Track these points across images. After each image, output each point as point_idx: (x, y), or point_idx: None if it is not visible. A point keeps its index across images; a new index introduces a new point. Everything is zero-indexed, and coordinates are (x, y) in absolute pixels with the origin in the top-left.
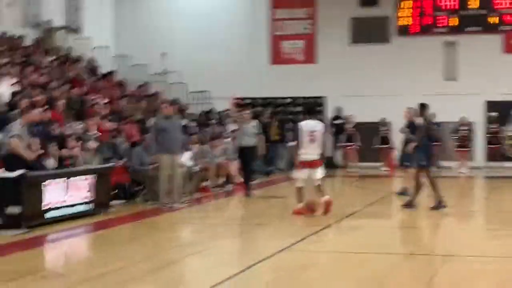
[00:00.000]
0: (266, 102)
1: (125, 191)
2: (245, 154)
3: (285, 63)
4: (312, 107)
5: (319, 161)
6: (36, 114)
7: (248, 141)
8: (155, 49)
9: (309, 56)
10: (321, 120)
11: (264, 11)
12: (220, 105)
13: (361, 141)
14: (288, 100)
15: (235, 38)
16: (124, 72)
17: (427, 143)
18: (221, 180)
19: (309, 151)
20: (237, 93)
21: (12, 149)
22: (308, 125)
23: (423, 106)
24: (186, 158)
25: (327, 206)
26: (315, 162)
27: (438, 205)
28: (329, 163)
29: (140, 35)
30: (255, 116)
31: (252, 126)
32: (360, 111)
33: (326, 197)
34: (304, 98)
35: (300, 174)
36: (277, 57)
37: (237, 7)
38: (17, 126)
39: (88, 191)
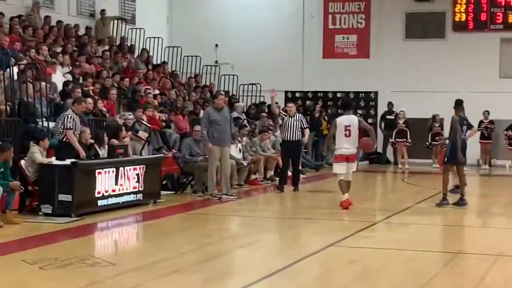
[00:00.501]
0: (317, 96)
1: (175, 182)
2: (288, 149)
3: (337, 57)
4: (348, 102)
5: (354, 155)
6: (88, 103)
7: (292, 135)
8: (207, 41)
9: (362, 51)
10: (373, 115)
11: (317, 4)
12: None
13: (412, 137)
14: (339, 95)
15: (287, 31)
16: (176, 63)
17: (454, 139)
18: (270, 173)
19: (346, 145)
20: (275, 88)
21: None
22: (344, 120)
23: (457, 103)
24: (235, 150)
25: (345, 206)
26: (352, 156)
27: (442, 202)
28: (379, 159)
29: (193, 27)
30: (304, 110)
31: (296, 120)
32: (413, 107)
33: (346, 196)
34: (355, 92)
35: (339, 168)
36: (330, 51)
37: (290, 1)
38: (69, 116)
39: (138, 181)
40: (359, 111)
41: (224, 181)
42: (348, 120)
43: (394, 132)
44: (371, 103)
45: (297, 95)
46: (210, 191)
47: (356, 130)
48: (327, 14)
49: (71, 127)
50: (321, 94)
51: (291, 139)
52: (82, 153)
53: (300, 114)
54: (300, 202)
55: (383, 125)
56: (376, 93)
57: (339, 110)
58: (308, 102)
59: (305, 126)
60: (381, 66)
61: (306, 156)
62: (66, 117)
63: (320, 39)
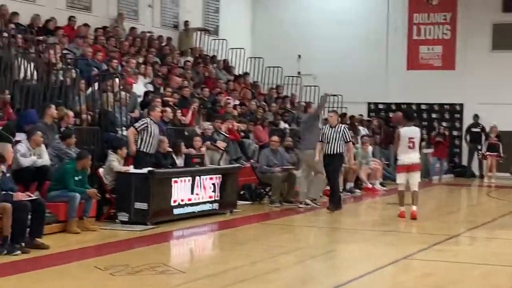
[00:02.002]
0: (401, 108)
1: (252, 192)
2: (328, 164)
3: (422, 68)
4: (411, 113)
5: (417, 165)
6: (164, 111)
7: (332, 148)
8: (289, 52)
9: (447, 62)
10: (458, 127)
11: (401, 15)
12: (353, 110)
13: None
14: (424, 107)
15: (371, 42)
16: (258, 74)
17: None
18: (350, 185)
19: (408, 156)
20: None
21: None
22: (408, 132)
23: None
24: None
25: (412, 217)
26: (413, 166)
27: None
28: (464, 172)
29: (276, 38)
30: (386, 122)
31: (337, 131)
32: (499, 120)
33: (414, 208)
34: (440, 104)
35: (400, 179)
36: (414, 62)
37: (374, 12)
38: (143, 120)
39: (214, 190)
40: (444, 124)
41: (314, 189)
42: (411, 131)
43: (485, 145)
44: (456, 115)
45: (380, 106)
46: (302, 198)
47: (418, 141)
48: (411, 24)
49: (136, 127)
50: (405, 106)
51: (330, 153)
52: (133, 151)
53: (343, 125)
54: (378, 214)
55: (468, 138)
56: (461, 105)
57: (424, 122)
58: (391, 114)
59: (347, 140)
60: (467, 77)
61: (387, 168)
62: (141, 120)
63: (405, 50)
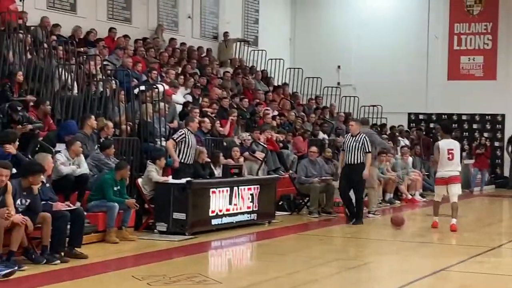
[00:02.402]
0: (441, 119)
1: (291, 202)
2: (347, 173)
3: (462, 79)
4: (448, 126)
5: (456, 177)
6: (203, 121)
7: (352, 158)
8: (328, 63)
9: (489, 72)
10: (500, 138)
11: (442, 25)
12: (393, 120)
13: None
14: (465, 117)
15: (411, 52)
16: (297, 85)
17: None
18: (389, 195)
19: (447, 168)
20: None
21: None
22: (446, 144)
23: None
24: None
25: (452, 229)
26: (451, 178)
27: None
28: (506, 183)
29: (315, 48)
30: (426, 132)
31: (357, 141)
32: None
33: (453, 221)
34: (481, 115)
35: (438, 190)
36: (455, 72)
37: (414, 22)
38: (181, 131)
39: (252, 201)
40: (485, 134)
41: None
42: (450, 143)
43: None
44: (497, 126)
45: (420, 117)
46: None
47: (458, 153)
48: (452, 35)
49: (175, 138)
50: (446, 116)
51: (350, 162)
52: (177, 163)
53: (363, 135)
54: (418, 225)
55: (510, 148)
56: (503, 115)
57: (465, 133)
58: (432, 125)
59: (367, 150)
60: (508, 88)
61: (427, 179)
62: (178, 131)
63: (445, 60)
